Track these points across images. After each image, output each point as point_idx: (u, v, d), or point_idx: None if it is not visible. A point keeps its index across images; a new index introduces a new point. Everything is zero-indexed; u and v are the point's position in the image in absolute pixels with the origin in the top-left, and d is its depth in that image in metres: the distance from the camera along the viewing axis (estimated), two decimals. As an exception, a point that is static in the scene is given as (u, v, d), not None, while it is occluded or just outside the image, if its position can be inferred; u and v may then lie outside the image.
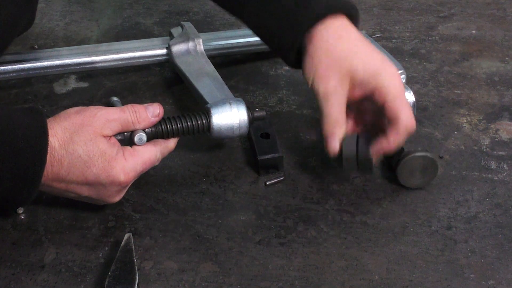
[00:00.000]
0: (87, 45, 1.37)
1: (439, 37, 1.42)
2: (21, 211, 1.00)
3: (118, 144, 0.93)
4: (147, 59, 1.30)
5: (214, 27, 1.35)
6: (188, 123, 0.99)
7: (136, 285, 0.86)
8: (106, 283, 0.85)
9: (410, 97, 1.10)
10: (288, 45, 1.00)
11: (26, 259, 0.94)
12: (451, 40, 1.41)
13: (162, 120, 0.98)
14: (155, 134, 0.97)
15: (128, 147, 0.94)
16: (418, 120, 1.17)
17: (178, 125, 0.98)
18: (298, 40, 0.99)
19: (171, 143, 0.99)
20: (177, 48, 1.25)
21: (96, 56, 1.27)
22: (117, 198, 0.96)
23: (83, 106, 0.93)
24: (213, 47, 1.29)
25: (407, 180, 1.02)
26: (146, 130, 0.96)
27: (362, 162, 0.99)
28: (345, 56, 0.96)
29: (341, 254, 0.94)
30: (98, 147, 0.90)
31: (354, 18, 1.00)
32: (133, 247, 0.91)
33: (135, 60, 1.30)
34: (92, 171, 0.90)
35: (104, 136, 0.91)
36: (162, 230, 0.98)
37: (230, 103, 1.02)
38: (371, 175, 1.04)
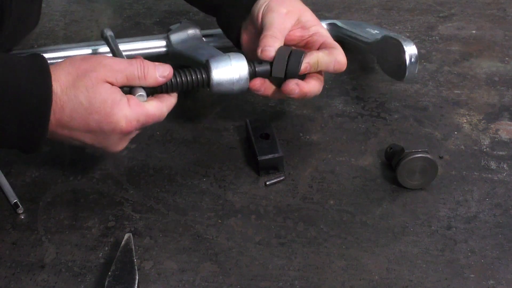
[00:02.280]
0: (86, 42, 1.37)
1: (439, 37, 1.42)
2: (21, 211, 1.00)
3: (121, 91, 0.91)
4: (146, 51, 1.30)
5: (214, 27, 1.34)
6: (188, 77, 0.99)
7: (136, 285, 0.86)
8: (106, 283, 0.85)
9: (413, 49, 1.13)
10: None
11: (26, 259, 0.94)
12: (451, 40, 1.41)
13: None
14: (154, 89, 0.96)
15: (135, 97, 0.92)
16: (418, 120, 1.17)
17: (178, 79, 0.98)
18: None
19: (174, 97, 0.98)
20: (176, 36, 1.26)
21: (95, 48, 1.27)
22: (119, 147, 0.95)
23: None
24: (212, 42, 1.29)
25: (407, 181, 1.02)
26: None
27: (290, 70, 1.02)
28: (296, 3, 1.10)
29: (341, 254, 0.94)
30: (100, 93, 0.88)
31: None
32: (133, 247, 0.91)
33: (134, 53, 1.29)
34: (94, 117, 0.88)
35: (108, 82, 0.89)
36: (162, 230, 0.98)
37: (229, 56, 1.02)
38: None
